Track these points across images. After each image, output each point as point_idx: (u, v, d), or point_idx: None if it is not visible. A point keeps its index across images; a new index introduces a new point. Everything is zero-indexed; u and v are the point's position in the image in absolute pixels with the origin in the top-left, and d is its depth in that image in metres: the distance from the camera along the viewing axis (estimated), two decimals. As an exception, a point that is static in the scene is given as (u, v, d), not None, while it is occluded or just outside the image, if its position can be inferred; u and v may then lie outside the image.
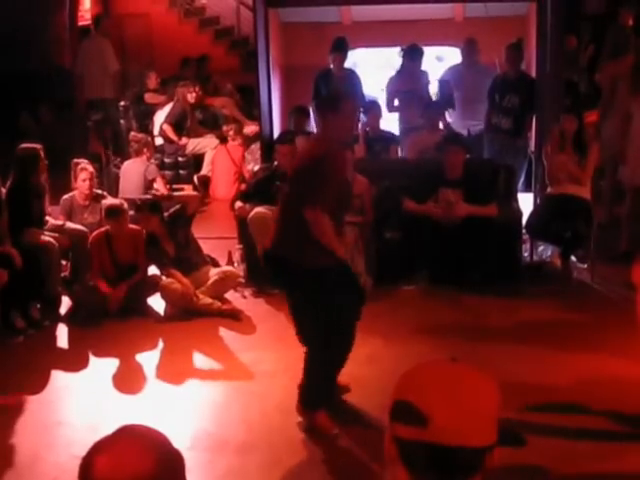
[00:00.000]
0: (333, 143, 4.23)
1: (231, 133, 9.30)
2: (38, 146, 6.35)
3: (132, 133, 9.42)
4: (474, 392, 1.44)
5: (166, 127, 9.80)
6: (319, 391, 4.39)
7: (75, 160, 7.21)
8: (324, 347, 4.28)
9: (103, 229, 6.42)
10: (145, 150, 8.68)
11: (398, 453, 1.45)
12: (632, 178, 7.01)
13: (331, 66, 8.41)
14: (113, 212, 6.33)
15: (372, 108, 8.17)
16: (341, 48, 8.28)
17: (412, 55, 8.41)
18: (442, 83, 8.49)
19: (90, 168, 7.10)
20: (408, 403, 1.42)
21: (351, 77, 8.52)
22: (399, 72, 8.51)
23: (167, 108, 10.06)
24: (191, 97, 9.88)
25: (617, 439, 4.23)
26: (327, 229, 4.13)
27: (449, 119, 8.41)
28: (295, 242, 4.18)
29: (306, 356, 4.37)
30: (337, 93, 4.50)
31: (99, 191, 7.22)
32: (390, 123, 8.76)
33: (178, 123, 9.86)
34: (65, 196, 7.07)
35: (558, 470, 3.89)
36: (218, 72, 11.20)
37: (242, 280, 6.52)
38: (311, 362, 4.34)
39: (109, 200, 6.85)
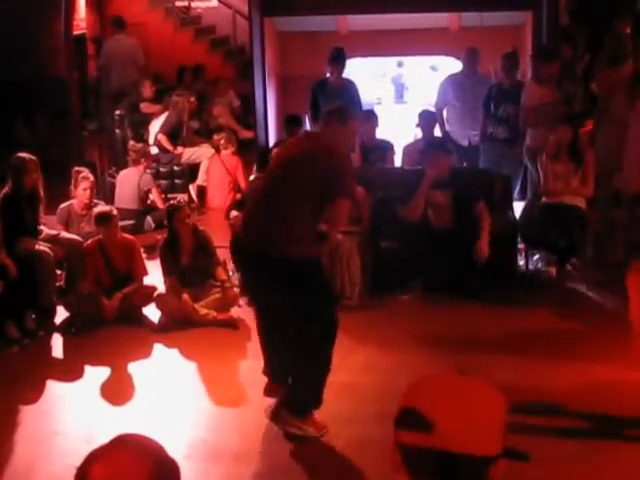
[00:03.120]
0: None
1: (222, 142, 9.29)
2: (27, 156, 6.32)
3: (131, 142, 9.43)
4: (480, 402, 1.46)
5: (161, 137, 9.81)
6: (312, 394, 4.33)
7: (76, 168, 7.21)
8: (316, 342, 4.20)
9: (96, 237, 6.41)
10: (143, 160, 8.68)
11: (402, 461, 1.45)
12: (628, 186, 7.02)
13: (328, 75, 8.42)
14: (103, 218, 6.33)
15: (368, 117, 8.19)
16: (339, 59, 8.28)
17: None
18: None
19: (91, 177, 7.12)
20: (413, 409, 1.44)
21: (349, 87, 8.53)
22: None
23: (162, 117, 10.07)
24: (187, 106, 9.88)
25: (611, 438, 4.24)
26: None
27: (448, 128, 8.42)
28: (282, 234, 4.15)
29: (294, 360, 4.30)
30: (347, 108, 4.79)
31: (95, 200, 7.22)
32: (385, 132, 8.79)
33: (174, 132, 9.86)
34: (62, 205, 7.07)
35: (554, 474, 3.89)
36: (214, 81, 11.22)
37: (241, 302, 6.43)
38: (304, 363, 4.26)
39: (99, 207, 6.85)
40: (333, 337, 4.24)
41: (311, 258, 4.22)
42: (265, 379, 4.68)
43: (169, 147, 9.80)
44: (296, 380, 4.34)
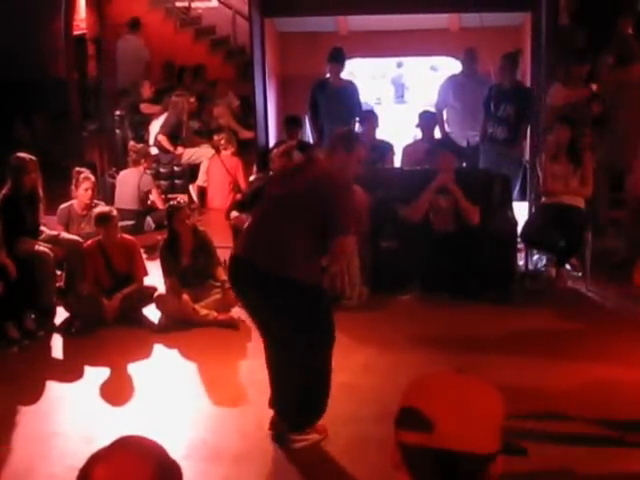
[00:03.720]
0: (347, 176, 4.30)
1: (222, 142, 9.29)
2: (27, 156, 6.31)
3: (131, 143, 9.44)
4: (479, 400, 1.48)
5: (161, 137, 9.82)
6: (314, 410, 4.27)
7: (77, 169, 7.22)
8: (315, 354, 4.14)
9: (96, 238, 6.42)
10: (143, 161, 8.69)
11: (403, 459, 1.47)
12: (637, 187, 6.94)
13: (328, 76, 8.42)
14: (103, 219, 6.34)
15: (368, 117, 8.20)
16: (338, 58, 8.28)
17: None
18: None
19: (92, 178, 7.13)
20: (414, 409, 1.46)
21: (349, 88, 8.53)
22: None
23: (162, 118, 10.07)
24: (186, 107, 9.88)
25: (611, 443, 4.23)
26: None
27: (448, 129, 8.43)
28: (292, 257, 4.06)
29: (291, 374, 4.18)
30: (353, 134, 4.70)
31: (96, 201, 7.23)
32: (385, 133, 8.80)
33: (173, 133, 9.86)
34: (62, 205, 7.07)
35: (553, 473, 3.92)
36: (212, 83, 11.23)
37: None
38: (301, 374, 4.15)
39: (99, 207, 6.86)
40: (328, 355, 4.18)
41: (311, 284, 4.10)
42: (263, 381, 4.59)
43: (169, 148, 9.80)
44: (294, 399, 4.23)
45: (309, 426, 4.28)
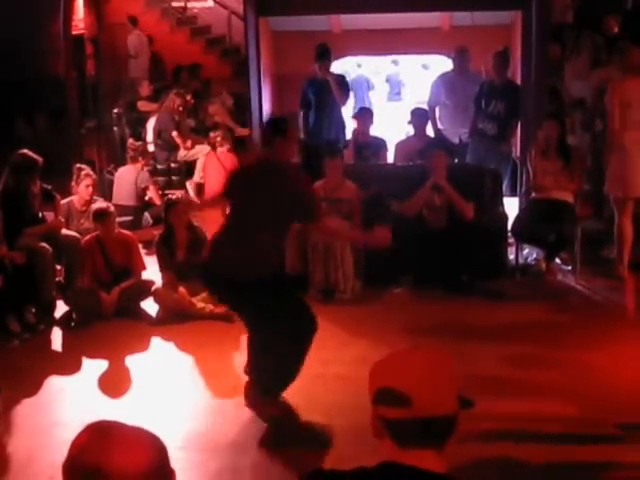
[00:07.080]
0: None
1: (219, 139, 9.37)
2: (26, 153, 6.35)
3: (130, 140, 9.52)
4: (441, 370, 1.75)
5: (175, 134, 9.92)
6: (281, 376, 4.47)
7: (78, 165, 7.32)
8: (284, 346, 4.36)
9: (94, 233, 6.52)
10: (140, 158, 8.78)
11: (384, 429, 1.71)
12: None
13: (318, 74, 8.49)
14: (100, 215, 6.43)
15: (363, 114, 8.28)
16: (325, 56, 8.37)
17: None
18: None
19: (93, 174, 7.23)
20: (390, 388, 1.71)
21: (341, 82, 8.62)
22: None
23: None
24: (177, 105, 9.95)
25: (602, 435, 4.30)
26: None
27: (440, 126, 8.52)
28: (265, 259, 4.30)
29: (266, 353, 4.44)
30: (282, 119, 4.78)
31: (94, 197, 7.32)
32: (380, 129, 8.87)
33: (166, 130, 9.95)
34: (62, 201, 7.16)
35: (545, 465, 3.97)
36: (205, 82, 11.33)
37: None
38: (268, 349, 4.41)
39: (97, 203, 6.96)
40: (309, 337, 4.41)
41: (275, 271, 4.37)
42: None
43: (181, 143, 9.91)
44: (266, 361, 4.44)
45: (277, 391, 4.45)
